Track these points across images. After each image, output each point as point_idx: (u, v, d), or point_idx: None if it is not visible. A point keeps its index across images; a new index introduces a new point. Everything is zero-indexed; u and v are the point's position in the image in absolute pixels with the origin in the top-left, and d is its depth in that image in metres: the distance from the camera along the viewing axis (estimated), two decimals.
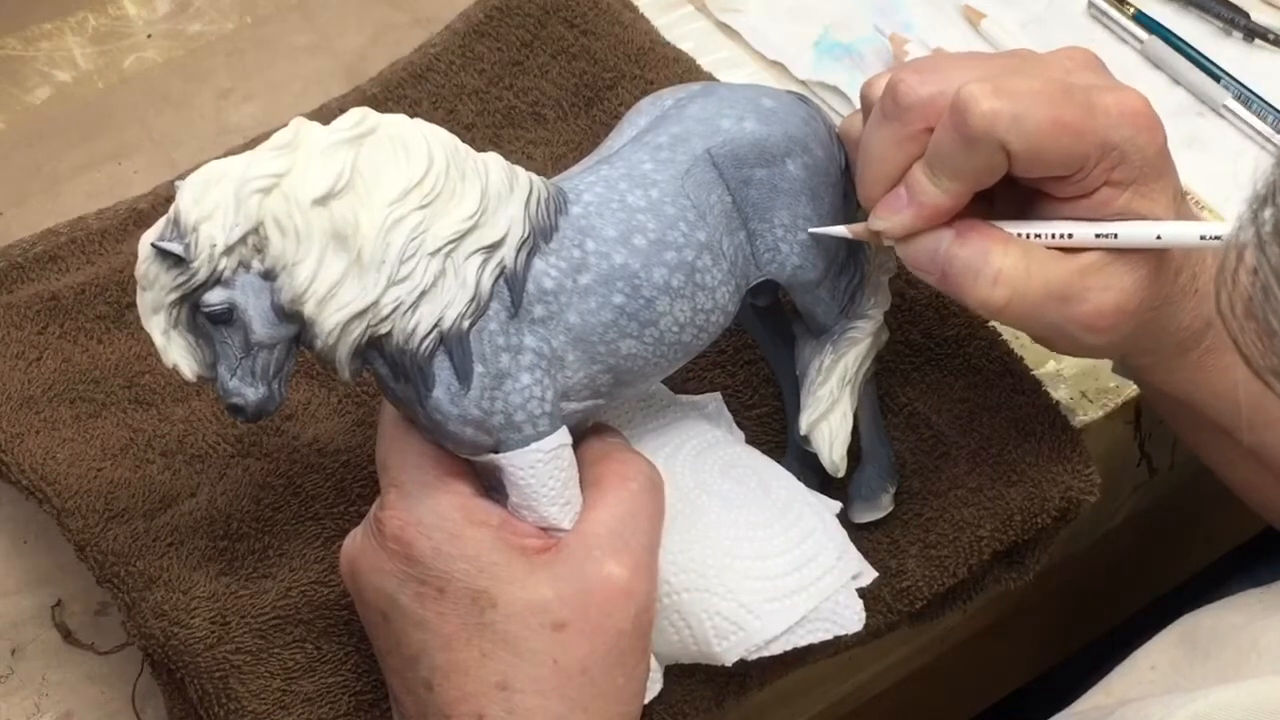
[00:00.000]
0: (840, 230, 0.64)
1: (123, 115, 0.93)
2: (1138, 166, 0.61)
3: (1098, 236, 0.61)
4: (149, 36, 0.97)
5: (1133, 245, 0.61)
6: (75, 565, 0.71)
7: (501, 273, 0.58)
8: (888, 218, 0.62)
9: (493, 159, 0.60)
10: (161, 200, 0.85)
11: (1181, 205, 0.64)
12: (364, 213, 0.56)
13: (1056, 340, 0.65)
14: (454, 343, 0.58)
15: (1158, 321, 0.65)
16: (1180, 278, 0.64)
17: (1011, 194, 0.63)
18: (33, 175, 0.90)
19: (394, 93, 0.89)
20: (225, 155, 0.86)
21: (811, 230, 0.64)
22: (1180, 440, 0.76)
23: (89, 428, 0.74)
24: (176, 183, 0.57)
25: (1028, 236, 0.62)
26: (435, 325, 0.57)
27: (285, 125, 0.88)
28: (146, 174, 0.89)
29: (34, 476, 0.72)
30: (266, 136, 0.87)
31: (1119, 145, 0.60)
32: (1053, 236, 0.62)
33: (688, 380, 0.75)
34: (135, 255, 0.81)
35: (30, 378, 0.76)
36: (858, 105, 0.92)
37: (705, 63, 0.91)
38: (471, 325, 0.58)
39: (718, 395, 0.73)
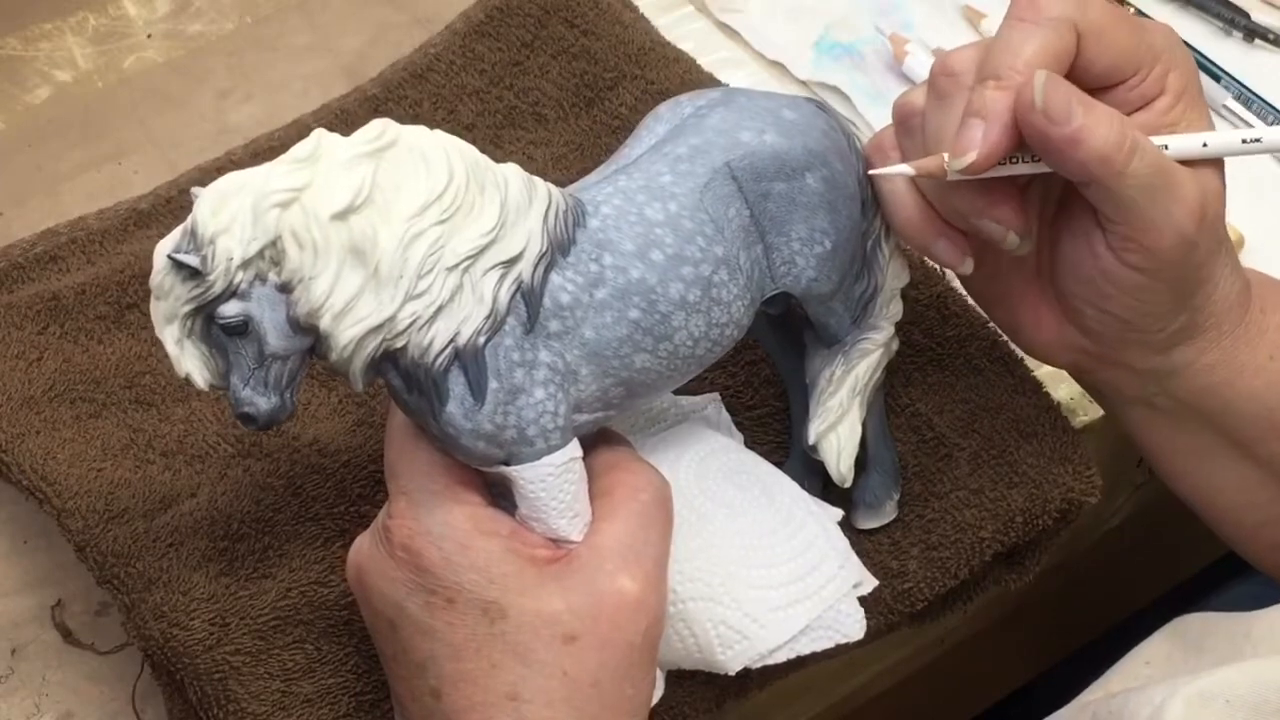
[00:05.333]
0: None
1: (123, 115, 0.93)
2: (1186, 75, 0.63)
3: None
4: (149, 36, 0.97)
5: (1182, 155, 0.63)
6: (75, 565, 0.71)
7: (518, 288, 0.58)
8: (970, 150, 0.60)
9: (512, 170, 0.59)
10: (162, 200, 0.85)
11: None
12: (383, 227, 0.56)
13: (1139, 237, 0.63)
14: (469, 358, 0.57)
15: (1205, 272, 0.65)
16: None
17: (1075, 215, 0.65)
18: (33, 175, 0.90)
19: (394, 93, 0.89)
20: (225, 155, 0.87)
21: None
22: (1172, 484, 0.75)
23: (89, 428, 0.74)
24: (194, 189, 0.56)
25: None
26: (451, 341, 0.57)
27: (285, 125, 0.89)
28: (146, 174, 0.89)
29: (34, 476, 0.72)
30: (267, 136, 0.88)
31: (1169, 50, 0.63)
32: None
33: (688, 380, 0.75)
34: (136, 255, 0.82)
35: (30, 378, 0.76)
36: (858, 105, 0.92)
37: (705, 63, 0.91)
38: (487, 341, 0.58)
39: (716, 396, 0.73)
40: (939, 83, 0.63)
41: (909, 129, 0.65)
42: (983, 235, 0.64)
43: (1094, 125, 0.60)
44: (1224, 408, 0.69)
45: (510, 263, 0.58)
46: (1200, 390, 0.69)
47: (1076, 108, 0.60)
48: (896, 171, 0.64)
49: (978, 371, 0.77)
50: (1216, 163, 0.64)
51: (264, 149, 0.87)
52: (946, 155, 0.61)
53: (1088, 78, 0.62)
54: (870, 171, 0.65)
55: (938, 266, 0.80)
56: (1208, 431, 0.70)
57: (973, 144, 0.60)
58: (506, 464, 0.59)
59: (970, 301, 0.79)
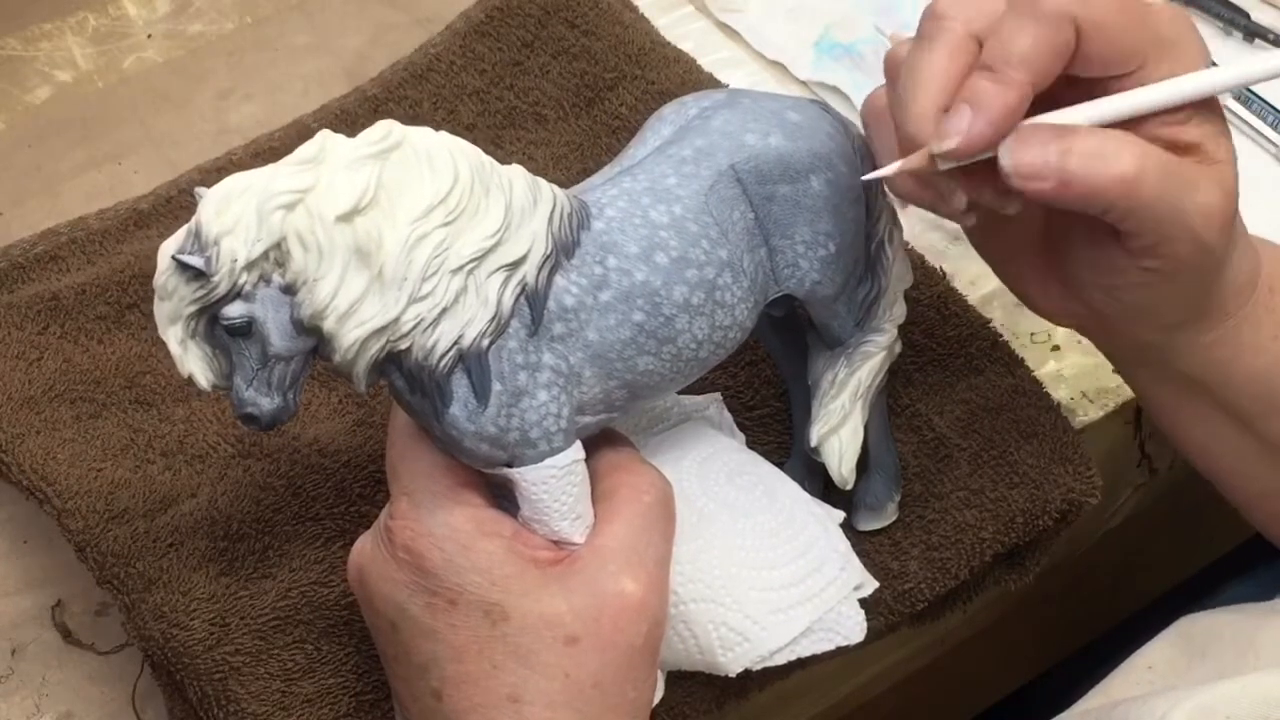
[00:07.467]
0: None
1: (123, 115, 0.93)
2: (1193, 66, 0.61)
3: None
4: (149, 36, 0.97)
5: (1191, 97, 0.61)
6: (75, 565, 0.71)
7: (523, 290, 0.58)
8: (954, 136, 0.58)
9: (517, 172, 0.59)
10: (162, 200, 0.85)
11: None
12: (388, 229, 0.56)
13: (1160, 247, 0.62)
14: (473, 360, 0.57)
15: (1219, 265, 0.64)
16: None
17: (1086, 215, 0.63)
18: (33, 175, 0.90)
19: (394, 93, 0.89)
20: (225, 155, 0.87)
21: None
22: (1176, 444, 0.75)
23: (89, 428, 0.74)
24: (198, 190, 0.56)
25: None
26: (455, 343, 0.57)
27: (285, 125, 0.89)
28: (146, 174, 0.89)
29: (34, 477, 0.72)
30: (267, 137, 0.88)
31: (1174, 39, 0.61)
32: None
33: (691, 382, 0.75)
34: (136, 256, 0.82)
35: (31, 378, 0.76)
36: (858, 105, 0.92)
37: (705, 63, 0.91)
38: (491, 344, 0.57)
39: (718, 396, 0.73)
40: (924, 26, 0.61)
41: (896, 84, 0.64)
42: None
43: (1081, 173, 0.58)
44: (1225, 383, 0.69)
45: (515, 265, 0.58)
46: (1202, 365, 0.69)
47: (1053, 163, 0.58)
48: (888, 173, 0.62)
49: (978, 371, 0.77)
50: (1232, 154, 0.63)
51: (264, 149, 0.87)
52: (932, 145, 0.59)
53: (1087, 71, 0.62)
54: (863, 178, 0.63)
55: (939, 267, 0.80)
56: (1209, 403, 0.70)
57: (958, 130, 0.59)
58: (509, 466, 0.59)
59: (970, 301, 0.79)
